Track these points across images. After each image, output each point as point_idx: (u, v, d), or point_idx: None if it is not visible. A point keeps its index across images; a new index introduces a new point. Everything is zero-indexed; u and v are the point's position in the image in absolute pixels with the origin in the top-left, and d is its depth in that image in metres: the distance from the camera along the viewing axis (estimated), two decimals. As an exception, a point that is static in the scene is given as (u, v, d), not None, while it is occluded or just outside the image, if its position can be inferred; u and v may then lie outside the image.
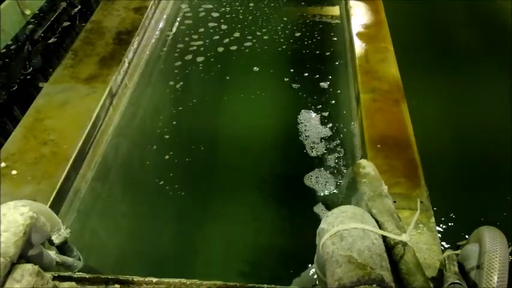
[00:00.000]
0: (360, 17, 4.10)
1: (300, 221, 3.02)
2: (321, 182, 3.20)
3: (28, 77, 3.78)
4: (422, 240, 2.19)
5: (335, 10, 5.20)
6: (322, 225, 1.93)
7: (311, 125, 3.68)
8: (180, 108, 4.02)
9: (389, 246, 1.85)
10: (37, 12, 4.18)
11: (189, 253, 2.99)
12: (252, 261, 2.85)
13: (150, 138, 3.76)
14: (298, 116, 3.80)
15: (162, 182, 3.35)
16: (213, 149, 3.65)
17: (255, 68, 4.40)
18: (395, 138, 2.84)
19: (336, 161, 3.35)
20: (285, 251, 2.89)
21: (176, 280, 2.10)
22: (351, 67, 3.81)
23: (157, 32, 4.77)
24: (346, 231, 1.81)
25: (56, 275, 2.12)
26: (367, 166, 2.18)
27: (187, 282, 2.10)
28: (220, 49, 4.69)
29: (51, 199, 2.61)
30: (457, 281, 1.64)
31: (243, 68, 4.44)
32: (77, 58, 3.80)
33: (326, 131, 3.61)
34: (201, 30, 5.00)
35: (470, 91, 4.04)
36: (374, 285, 1.63)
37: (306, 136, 3.59)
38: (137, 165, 3.54)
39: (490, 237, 1.68)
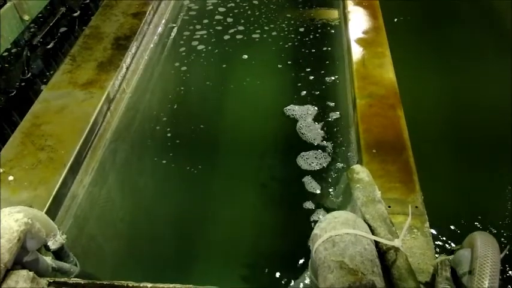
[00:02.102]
0: (357, 22, 4.12)
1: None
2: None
3: (22, 83, 3.81)
4: (416, 245, 2.19)
5: (334, 14, 5.22)
6: (315, 230, 1.94)
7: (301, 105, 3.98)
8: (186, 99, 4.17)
9: (381, 251, 1.86)
10: (36, 17, 4.22)
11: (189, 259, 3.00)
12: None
13: (149, 141, 3.80)
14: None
15: (163, 180, 3.42)
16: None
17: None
18: (391, 143, 2.84)
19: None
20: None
21: (171, 285, 2.11)
22: (348, 72, 3.82)
23: (155, 37, 4.79)
24: (338, 236, 1.82)
25: (52, 280, 2.12)
26: (360, 171, 2.19)
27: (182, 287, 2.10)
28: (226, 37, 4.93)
29: (48, 205, 2.62)
30: (448, 286, 1.65)
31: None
32: (75, 63, 3.81)
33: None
34: (206, 20, 5.21)
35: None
36: (365, 291, 1.63)
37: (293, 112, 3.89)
38: (135, 169, 3.56)
39: (482, 242, 1.69)
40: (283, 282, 2.73)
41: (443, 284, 1.66)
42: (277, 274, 2.77)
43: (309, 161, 3.42)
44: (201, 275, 2.80)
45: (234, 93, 4.28)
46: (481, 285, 1.57)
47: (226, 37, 4.98)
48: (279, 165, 3.51)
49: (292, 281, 2.67)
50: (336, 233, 1.83)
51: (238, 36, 4.97)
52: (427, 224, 2.30)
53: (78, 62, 3.82)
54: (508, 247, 1.74)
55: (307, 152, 3.50)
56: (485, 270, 1.58)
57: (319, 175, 3.32)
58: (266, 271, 2.80)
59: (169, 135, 3.83)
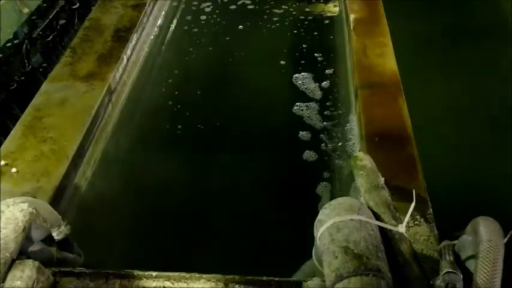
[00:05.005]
0: (358, 11, 4.10)
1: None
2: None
3: (22, 78, 3.80)
4: (419, 231, 2.20)
5: (334, 3, 5.21)
6: (320, 216, 1.96)
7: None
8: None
9: (386, 237, 1.87)
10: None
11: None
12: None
13: (151, 133, 3.80)
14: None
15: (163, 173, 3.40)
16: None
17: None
18: (393, 132, 2.84)
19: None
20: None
21: (176, 273, 2.12)
22: (349, 62, 3.82)
23: (155, 29, 4.78)
24: (342, 222, 1.83)
25: (57, 270, 2.13)
26: (364, 159, 2.21)
27: (187, 276, 2.11)
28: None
29: (51, 196, 2.63)
30: (452, 270, 1.66)
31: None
32: (75, 56, 3.80)
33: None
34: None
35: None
36: (370, 275, 1.65)
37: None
38: (137, 160, 3.56)
39: (485, 227, 1.70)
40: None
41: (447, 268, 1.67)
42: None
43: (302, 108, 3.82)
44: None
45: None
46: (485, 269, 1.58)
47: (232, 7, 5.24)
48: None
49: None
50: (340, 219, 1.85)
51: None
52: (430, 211, 2.32)
53: (78, 55, 3.81)
54: (511, 232, 1.75)
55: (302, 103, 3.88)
56: (488, 254, 1.60)
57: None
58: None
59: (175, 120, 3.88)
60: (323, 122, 3.78)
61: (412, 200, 2.05)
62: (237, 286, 2.05)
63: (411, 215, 2.16)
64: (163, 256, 2.89)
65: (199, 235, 3.06)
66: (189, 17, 5.23)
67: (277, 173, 3.44)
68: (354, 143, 3.46)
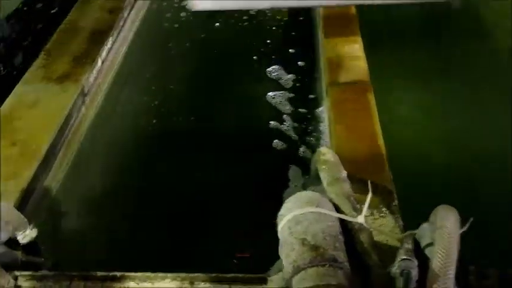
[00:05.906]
0: (329, 9, 4.13)
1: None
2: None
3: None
4: (385, 223, 2.22)
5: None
6: (281, 211, 1.98)
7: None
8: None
9: (346, 228, 1.89)
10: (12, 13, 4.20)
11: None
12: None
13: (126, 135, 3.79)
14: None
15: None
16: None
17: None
18: (361, 126, 2.90)
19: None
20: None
21: (140, 274, 2.09)
22: (321, 58, 3.86)
23: (132, 32, 4.77)
24: (302, 215, 1.84)
25: (19, 274, 2.10)
26: (327, 153, 2.26)
27: (152, 276, 2.08)
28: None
29: (17, 199, 2.60)
30: (407, 257, 1.67)
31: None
32: (50, 58, 3.79)
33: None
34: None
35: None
36: (327, 265, 1.65)
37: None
38: (110, 163, 3.54)
39: (442, 214, 1.73)
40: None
41: (402, 255, 1.68)
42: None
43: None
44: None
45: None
46: (440, 255, 1.59)
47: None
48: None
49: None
50: (301, 211, 1.86)
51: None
52: (396, 202, 2.34)
53: (53, 57, 3.79)
54: (471, 219, 1.76)
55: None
56: (443, 240, 1.61)
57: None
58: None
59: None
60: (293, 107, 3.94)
61: (377, 192, 2.08)
62: (202, 284, 2.03)
63: (377, 207, 2.20)
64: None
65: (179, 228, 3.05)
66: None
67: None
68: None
